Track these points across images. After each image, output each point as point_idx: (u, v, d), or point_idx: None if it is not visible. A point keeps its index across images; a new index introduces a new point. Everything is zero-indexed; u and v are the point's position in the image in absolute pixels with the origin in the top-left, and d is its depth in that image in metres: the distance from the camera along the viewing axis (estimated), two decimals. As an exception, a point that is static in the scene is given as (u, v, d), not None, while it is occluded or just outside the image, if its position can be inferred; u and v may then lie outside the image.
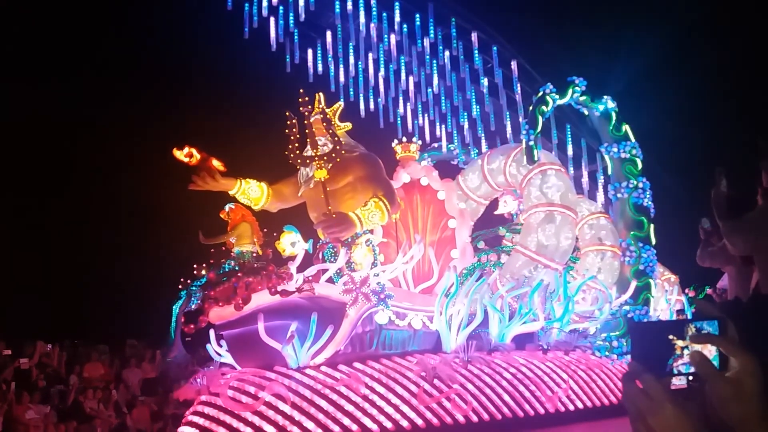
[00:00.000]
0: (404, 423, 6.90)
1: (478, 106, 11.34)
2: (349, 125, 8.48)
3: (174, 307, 7.24)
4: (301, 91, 7.57)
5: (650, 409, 1.17)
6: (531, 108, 9.73)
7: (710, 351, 1.21)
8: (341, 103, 8.57)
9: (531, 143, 9.37)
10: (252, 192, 8.18)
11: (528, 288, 8.95)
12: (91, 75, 13.95)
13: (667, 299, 12.01)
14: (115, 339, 12.93)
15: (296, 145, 7.67)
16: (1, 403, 9.21)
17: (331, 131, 7.82)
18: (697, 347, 1.21)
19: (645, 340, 1.25)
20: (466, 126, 11.76)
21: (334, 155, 7.65)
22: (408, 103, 11.74)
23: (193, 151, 7.51)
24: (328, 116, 8.03)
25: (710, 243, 6.59)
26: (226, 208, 7.92)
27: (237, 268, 6.92)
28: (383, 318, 7.59)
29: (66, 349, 12.24)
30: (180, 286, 7.06)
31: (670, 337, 1.22)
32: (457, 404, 7.23)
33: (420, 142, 10.12)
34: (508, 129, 11.30)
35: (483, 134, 11.72)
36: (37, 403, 9.88)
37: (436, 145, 12.25)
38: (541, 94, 9.86)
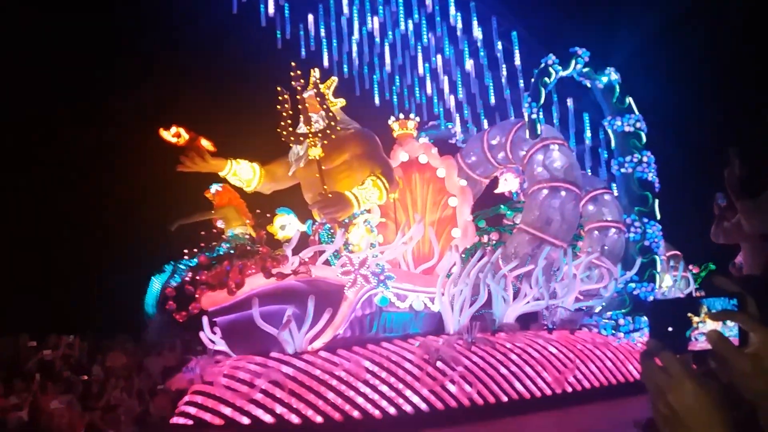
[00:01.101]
0: (407, 407, 6.67)
1: (477, 81, 10.96)
2: (343, 101, 8.17)
3: (154, 278, 6.87)
4: (293, 64, 7.24)
5: (669, 386, 1.17)
6: (533, 80, 9.38)
7: (730, 325, 1.22)
8: (335, 78, 8.24)
9: (534, 116, 9.04)
10: (243, 173, 7.87)
11: (532, 267, 8.70)
12: (72, 59, 13.42)
13: (672, 276, 11.80)
14: (132, 330, 12.81)
15: (289, 122, 7.35)
16: (26, 394, 9.20)
17: (325, 107, 7.49)
18: (716, 324, 1.22)
19: (663, 318, 1.25)
20: (464, 102, 11.39)
21: (328, 132, 7.33)
22: (404, 80, 11.35)
23: (181, 130, 7.18)
24: (321, 91, 7.69)
25: (725, 219, 6.32)
26: (212, 189, 7.55)
27: (232, 251, 6.65)
28: (383, 300, 7.33)
29: (88, 339, 12.33)
30: (167, 263, 6.76)
31: (688, 314, 1.23)
32: (461, 387, 7.00)
33: (418, 119, 9.79)
34: (509, 103, 10.94)
35: (482, 110, 11.35)
36: (61, 393, 9.89)
37: (433, 123, 11.91)
38: (543, 65, 9.51)
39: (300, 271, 6.56)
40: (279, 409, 6.30)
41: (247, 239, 6.94)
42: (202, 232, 6.93)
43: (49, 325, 12.09)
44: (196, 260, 6.62)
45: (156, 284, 6.98)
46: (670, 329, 1.23)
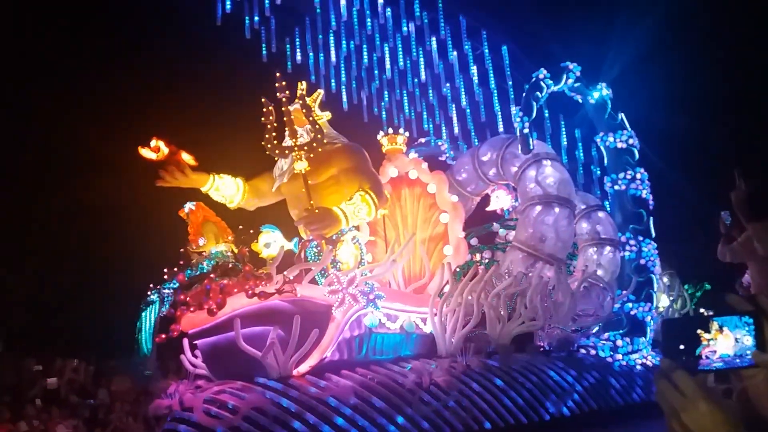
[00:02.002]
0: (399, 435, 6.30)
1: (467, 96, 10.75)
2: (329, 114, 7.92)
3: (145, 313, 6.53)
4: (278, 75, 6.96)
5: (684, 406, 1.16)
6: (525, 94, 9.20)
7: (746, 344, 1.21)
8: (321, 90, 7.98)
9: (526, 131, 8.83)
10: (226, 188, 7.55)
11: (526, 286, 8.40)
12: (52, 67, 13.09)
13: (669, 295, 11.60)
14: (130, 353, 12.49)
15: (274, 135, 7.05)
16: (37, 422, 9.03)
17: (311, 120, 7.21)
18: (729, 342, 1.22)
19: (676, 336, 1.25)
20: (454, 118, 11.16)
21: (315, 145, 7.04)
22: (393, 95, 11.12)
23: (161, 144, 6.86)
24: (307, 104, 7.42)
25: (731, 237, 6.12)
26: (186, 207, 7.13)
27: (213, 269, 6.31)
28: (373, 320, 6.99)
29: (93, 363, 12.18)
30: (149, 291, 6.41)
31: (698, 331, 1.23)
32: (455, 412, 6.65)
33: (407, 134, 9.54)
34: (499, 119, 10.74)
35: (473, 126, 11.13)
36: (67, 418, 9.69)
37: (423, 140, 11.67)
38: (534, 79, 9.33)
39: (285, 290, 6.22)
40: (262, 438, 5.91)
41: (229, 256, 6.59)
42: (181, 249, 6.58)
43: (53, 349, 11.92)
44: (176, 281, 6.26)
45: (149, 319, 6.61)
46: (681, 347, 1.24)
